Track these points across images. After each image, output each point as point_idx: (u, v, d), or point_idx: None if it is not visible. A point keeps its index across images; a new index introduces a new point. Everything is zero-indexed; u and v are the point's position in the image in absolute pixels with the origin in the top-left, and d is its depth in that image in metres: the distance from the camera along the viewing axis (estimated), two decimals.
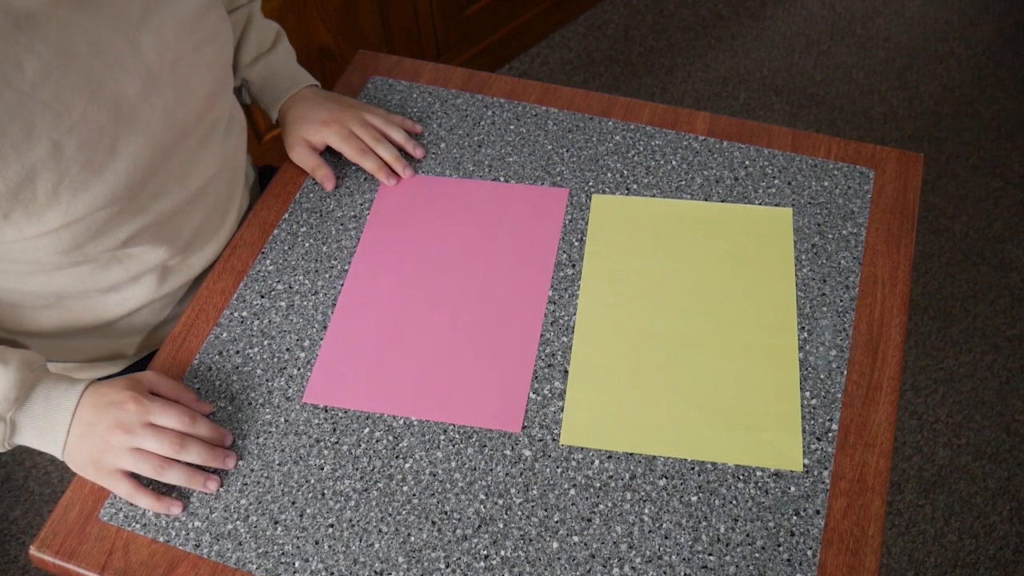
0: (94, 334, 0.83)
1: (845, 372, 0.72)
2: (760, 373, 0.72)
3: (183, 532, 0.66)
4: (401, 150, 0.89)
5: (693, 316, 0.76)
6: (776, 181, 0.85)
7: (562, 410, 0.71)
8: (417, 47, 1.74)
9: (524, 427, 0.70)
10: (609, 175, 0.86)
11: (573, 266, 0.80)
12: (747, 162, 0.86)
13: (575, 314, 0.77)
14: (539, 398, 0.72)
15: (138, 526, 0.67)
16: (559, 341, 0.75)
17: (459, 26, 1.79)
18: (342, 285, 0.80)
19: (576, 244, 0.82)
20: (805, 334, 0.75)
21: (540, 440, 0.70)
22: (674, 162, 0.87)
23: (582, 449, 0.69)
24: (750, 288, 0.78)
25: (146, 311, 0.83)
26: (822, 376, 0.72)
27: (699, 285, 0.78)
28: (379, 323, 0.77)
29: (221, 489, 0.68)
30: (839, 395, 0.71)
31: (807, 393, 0.71)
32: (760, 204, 0.83)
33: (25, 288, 0.74)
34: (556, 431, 0.70)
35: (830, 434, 0.69)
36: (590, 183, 0.86)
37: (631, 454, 0.69)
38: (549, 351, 0.75)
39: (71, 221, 0.66)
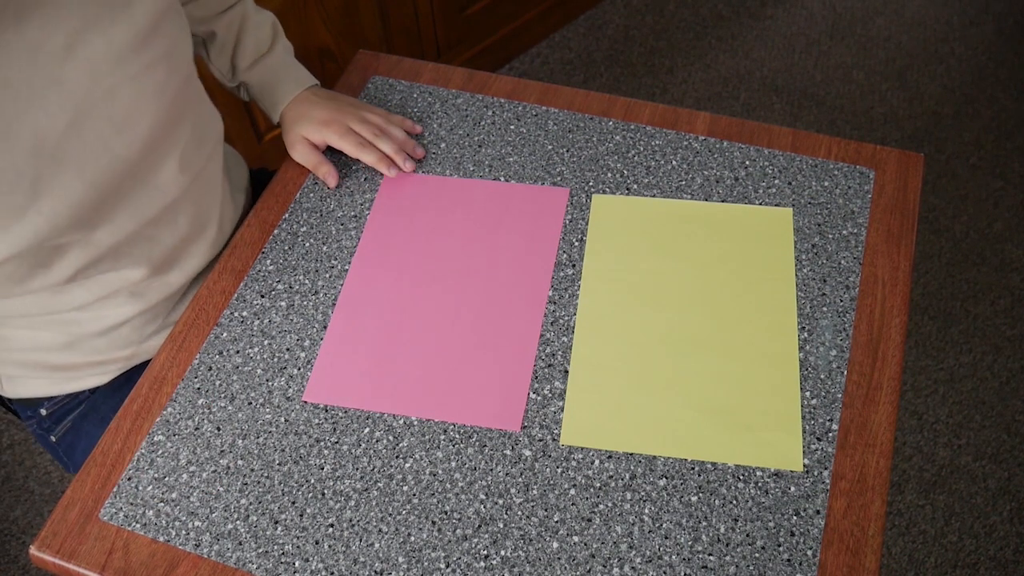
0: (74, 350, 0.81)
1: (845, 372, 0.72)
2: (760, 373, 0.72)
3: (183, 532, 0.66)
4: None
5: (693, 316, 0.76)
6: (776, 181, 0.85)
7: (562, 410, 0.71)
8: (417, 47, 1.74)
9: (524, 427, 0.70)
10: (609, 175, 0.86)
11: (573, 266, 0.80)
12: (747, 162, 0.86)
13: (575, 314, 0.77)
14: (539, 398, 0.72)
15: (138, 526, 0.67)
16: (559, 341, 0.75)
17: (459, 26, 1.79)
18: (342, 284, 0.80)
19: (576, 244, 0.82)
20: (805, 334, 0.75)
21: (540, 440, 0.70)
22: (674, 162, 0.87)
23: (582, 449, 0.69)
24: (750, 288, 0.78)
25: (126, 328, 0.81)
26: (822, 376, 0.72)
27: (699, 285, 0.78)
28: (379, 322, 0.77)
29: (221, 488, 0.68)
30: (839, 395, 0.71)
31: (807, 393, 0.71)
32: (760, 204, 0.83)
33: None
34: (556, 431, 0.70)
35: (830, 434, 0.69)
36: (590, 183, 0.86)
37: (631, 454, 0.69)
38: (549, 351, 0.75)
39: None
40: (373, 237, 0.83)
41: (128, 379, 0.86)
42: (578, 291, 0.78)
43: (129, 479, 0.69)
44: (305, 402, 0.73)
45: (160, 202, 0.75)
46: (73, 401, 0.87)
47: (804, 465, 0.68)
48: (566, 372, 0.73)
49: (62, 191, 0.65)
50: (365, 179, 0.88)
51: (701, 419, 0.70)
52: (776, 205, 0.83)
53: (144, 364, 0.87)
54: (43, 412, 0.88)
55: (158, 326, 0.84)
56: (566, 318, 0.77)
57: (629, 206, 0.84)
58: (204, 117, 0.80)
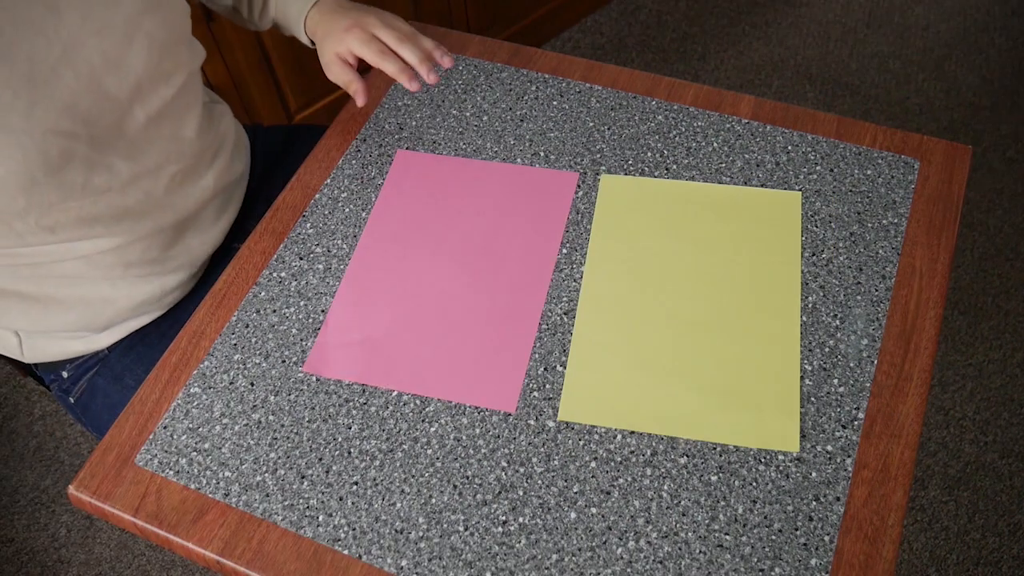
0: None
1: (876, 361, 0.72)
2: (760, 355, 0.72)
3: (214, 481, 0.68)
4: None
5: (697, 297, 0.76)
6: (818, 167, 0.84)
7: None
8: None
9: (534, 405, 0.71)
10: (649, 155, 0.86)
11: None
12: (789, 147, 0.86)
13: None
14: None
15: (171, 472, 0.69)
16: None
17: (491, 9, 1.78)
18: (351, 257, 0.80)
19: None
20: (837, 321, 0.74)
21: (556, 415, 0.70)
22: (715, 144, 0.86)
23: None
24: (755, 271, 0.77)
25: (111, 256, 0.80)
26: (851, 364, 0.72)
27: (704, 267, 0.78)
28: (384, 298, 0.77)
29: (251, 441, 0.70)
30: (868, 384, 0.71)
31: (835, 380, 0.71)
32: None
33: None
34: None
35: (856, 422, 0.69)
36: (629, 162, 0.86)
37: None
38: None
39: None
40: (382, 211, 0.83)
41: (140, 339, 0.88)
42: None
43: (165, 427, 0.71)
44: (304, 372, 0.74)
45: (156, 157, 0.78)
46: (92, 359, 0.89)
47: (827, 452, 0.68)
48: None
49: (52, 120, 0.67)
50: (407, 148, 0.89)
51: (699, 400, 0.70)
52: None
53: (151, 324, 0.89)
54: (64, 375, 0.90)
55: (151, 260, 0.84)
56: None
57: (637, 187, 0.83)
58: (203, 87, 0.84)
